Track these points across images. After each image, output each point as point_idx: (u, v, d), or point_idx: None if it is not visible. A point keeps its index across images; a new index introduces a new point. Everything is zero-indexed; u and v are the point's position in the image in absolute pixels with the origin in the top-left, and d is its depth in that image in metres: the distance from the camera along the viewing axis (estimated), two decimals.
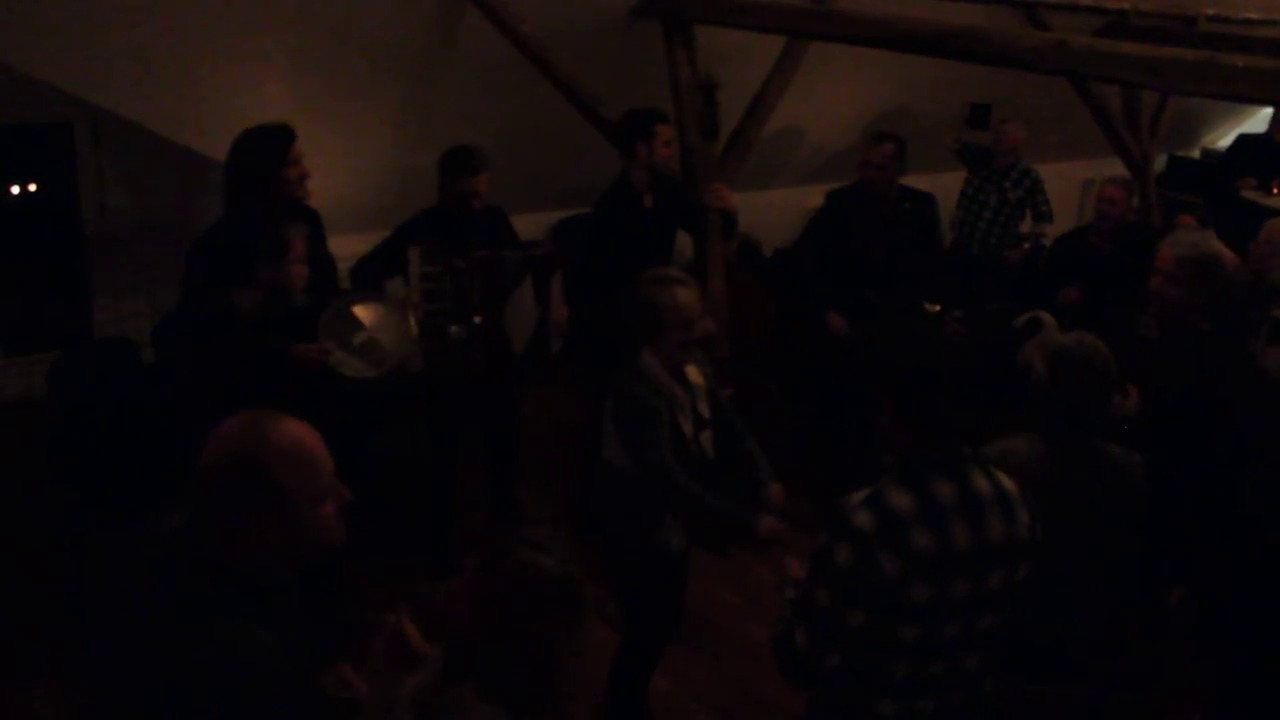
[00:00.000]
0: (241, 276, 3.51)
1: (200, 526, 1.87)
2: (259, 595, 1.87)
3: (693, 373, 3.35)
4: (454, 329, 4.28)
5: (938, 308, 5.21)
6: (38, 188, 5.50)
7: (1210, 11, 6.65)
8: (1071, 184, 8.99)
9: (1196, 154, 9.73)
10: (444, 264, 4.22)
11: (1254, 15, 6.31)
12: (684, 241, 5.19)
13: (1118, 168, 7.07)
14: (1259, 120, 8.77)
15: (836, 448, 5.39)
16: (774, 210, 7.41)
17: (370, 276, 4.33)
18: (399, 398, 4.61)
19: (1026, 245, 6.70)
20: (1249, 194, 7.57)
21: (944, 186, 7.26)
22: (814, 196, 7.35)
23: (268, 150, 3.71)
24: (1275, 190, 7.70)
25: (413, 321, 4.04)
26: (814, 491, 4.46)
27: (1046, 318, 4.23)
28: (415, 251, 4.20)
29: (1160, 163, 8.20)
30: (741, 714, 3.98)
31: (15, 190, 5.43)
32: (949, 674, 2.29)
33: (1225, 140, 9.46)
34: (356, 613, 3.99)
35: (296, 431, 1.90)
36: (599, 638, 4.08)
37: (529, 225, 6.41)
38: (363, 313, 3.90)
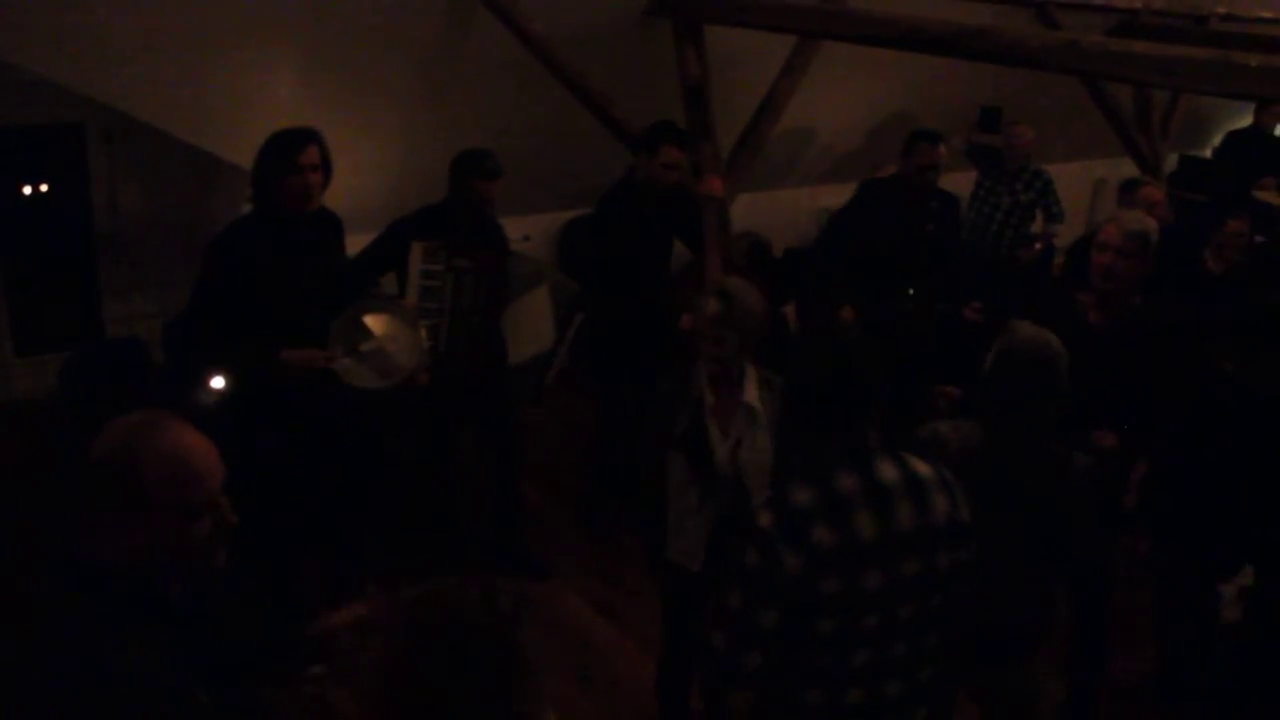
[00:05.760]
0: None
1: (68, 519, 1.83)
2: (134, 605, 1.79)
3: (750, 393, 3.19)
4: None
5: (911, 292, 5.16)
6: (49, 188, 5.51)
7: (1222, 10, 6.65)
8: (1083, 184, 8.98)
9: (1208, 153, 9.69)
10: (445, 264, 4.20)
11: (1266, 14, 6.30)
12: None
13: (1129, 168, 7.05)
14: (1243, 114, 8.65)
15: None
16: (784, 210, 7.41)
17: (367, 272, 4.23)
18: (402, 401, 4.58)
19: (1038, 246, 6.72)
20: (1266, 195, 7.44)
21: (953, 187, 7.25)
22: (824, 197, 7.37)
23: (271, 155, 3.59)
24: None
25: (423, 333, 3.99)
26: None
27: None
28: (419, 248, 4.13)
29: (1171, 162, 8.17)
30: None
31: (27, 190, 5.44)
32: (876, 664, 2.26)
33: None
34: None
35: (184, 441, 1.82)
36: (601, 638, 4.09)
37: (540, 225, 6.43)
38: (374, 322, 3.83)
